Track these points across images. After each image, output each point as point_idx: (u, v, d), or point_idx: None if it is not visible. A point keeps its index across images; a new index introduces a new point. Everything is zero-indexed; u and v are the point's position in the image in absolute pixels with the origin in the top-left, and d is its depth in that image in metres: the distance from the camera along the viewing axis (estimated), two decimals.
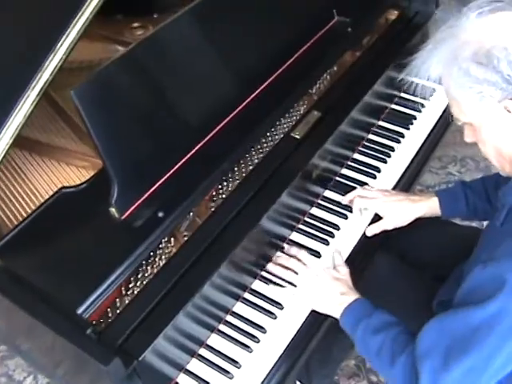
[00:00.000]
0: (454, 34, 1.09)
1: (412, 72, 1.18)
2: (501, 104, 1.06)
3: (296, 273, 1.46)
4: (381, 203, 1.55)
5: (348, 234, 1.57)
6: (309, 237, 1.55)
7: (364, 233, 1.56)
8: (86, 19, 1.48)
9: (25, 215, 1.47)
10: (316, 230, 1.56)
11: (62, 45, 1.44)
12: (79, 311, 1.20)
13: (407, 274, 1.60)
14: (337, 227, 1.57)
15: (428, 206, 1.55)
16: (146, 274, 1.30)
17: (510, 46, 1.02)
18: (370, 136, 1.79)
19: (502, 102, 1.05)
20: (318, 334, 1.45)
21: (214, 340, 1.38)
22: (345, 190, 1.63)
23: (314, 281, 1.43)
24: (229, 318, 1.42)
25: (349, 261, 1.51)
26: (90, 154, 1.59)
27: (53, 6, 1.53)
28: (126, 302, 1.26)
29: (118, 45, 2.08)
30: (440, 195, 1.55)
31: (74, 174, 1.59)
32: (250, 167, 1.48)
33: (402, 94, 1.91)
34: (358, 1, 1.92)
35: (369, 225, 1.57)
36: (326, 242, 1.54)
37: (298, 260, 1.48)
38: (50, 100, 1.77)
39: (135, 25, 2.16)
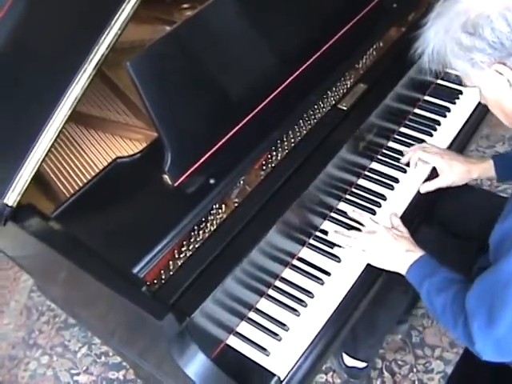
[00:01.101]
0: (448, 7, 1.16)
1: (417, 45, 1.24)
2: (491, 68, 1.12)
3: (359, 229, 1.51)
4: (441, 158, 1.61)
5: (395, 202, 1.61)
6: (356, 206, 1.58)
7: (411, 202, 1.59)
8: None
9: (81, 184, 1.53)
10: (363, 200, 1.59)
11: (115, 23, 1.48)
12: (135, 270, 1.25)
13: (453, 247, 1.62)
14: (384, 197, 1.60)
15: (483, 168, 1.60)
16: (198, 239, 1.34)
17: (492, 14, 1.08)
18: (417, 110, 1.81)
19: (491, 66, 1.12)
20: (364, 301, 1.48)
21: (263, 304, 1.42)
22: (389, 163, 1.67)
23: (379, 239, 1.46)
24: (278, 283, 1.46)
25: None
26: (144, 127, 1.65)
27: None
28: (179, 264, 1.31)
29: (168, 26, 2.13)
30: (495, 159, 1.60)
31: (128, 146, 1.65)
32: (299, 137, 1.51)
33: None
34: None
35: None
36: (373, 212, 1.57)
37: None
38: (105, 78, 1.84)
39: (184, 6, 2.21)
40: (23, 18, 1.63)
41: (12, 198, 1.35)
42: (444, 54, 1.18)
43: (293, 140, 1.51)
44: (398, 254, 1.42)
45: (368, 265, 1.47)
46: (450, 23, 1.14)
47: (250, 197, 1.41)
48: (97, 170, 1.57)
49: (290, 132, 1.52)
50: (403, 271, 1.40)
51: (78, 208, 1.42)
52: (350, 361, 1.99)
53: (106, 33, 1.44)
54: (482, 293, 1.19)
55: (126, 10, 1.49)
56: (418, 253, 1.40)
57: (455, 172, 1.60)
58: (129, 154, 1.58)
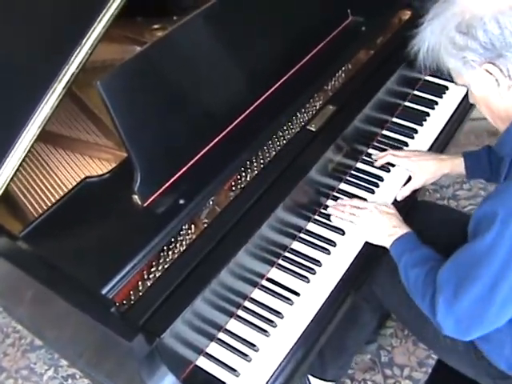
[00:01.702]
0: (445, 8, 1.22)
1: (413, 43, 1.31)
2: (482, 67, 1.18)
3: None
4: (411, 160, 1.67)
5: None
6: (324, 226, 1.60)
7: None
8: (108, 19, 1.53)
9: (50, 204, 1.53)
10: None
11: (85, 43, 1.49)
12: (103, 291, 1.25)
13: None
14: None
15: (454, 164, 1.68)
16: (168, 259, 1.34)
17: (485, 17, 1.14)
18: (384, 132, 1.83)
19: (482, 65, 1.18)
20: (334, 321, 1.49)
21: (233, 324, 1.42)
22: (358, 184, 1.69)
23: (369, 213, 1.54)
24: (247, 303, 1.46)
25: None
26: (114, 147, 1.65)
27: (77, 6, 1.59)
28: (148, 285, 1.30)
29: (138, 45, 2.14)
30: (466, 156, 1.67)
31: (98, 167, 1.65)
32: (268, 158, 1.52)
33: (415, 92, 1.96)
34: (372, 1, 1.97)
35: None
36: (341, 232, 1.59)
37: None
38: (75, 98, 1.83)
39: (155, 26, 2.22)
40: None
41: None
42: (438, 52, 1.25)
43: (262, 161, 1.52)
44: (386, 228, 1.50)
45: (337, 285, 1.48)
46: (446, 23, 1.21)
47: (219, 217, 1.41)
48: (65, 190, 1.56)
49: (260, 153, 1.53)
50: (387, 245, 1.47)
51: (46, 228, 1.41)
52: (316, 382, 1.98)
53: (76, 52, 1.46)
54: (453, 268, 1.26)
55: (98, 29, 1.51)
56: (404, 229, 1.48)
57: (426, 171, 1.67)
58: (98, 173, 1.59)
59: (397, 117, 1.89)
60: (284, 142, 1.56)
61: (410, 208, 1.66)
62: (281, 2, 1.72)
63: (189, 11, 2.04)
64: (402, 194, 1.66)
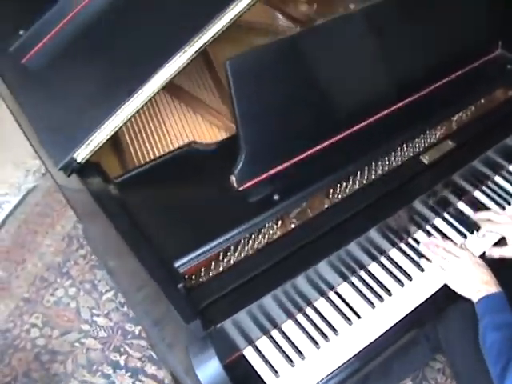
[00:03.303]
0: None
1: None
2: None
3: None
4: (509, 229, 1.57)
5: None
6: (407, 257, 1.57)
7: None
8: None
9: (152, 156, 1.56)
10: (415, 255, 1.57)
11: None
12: (177, 264, 1.27)
13: None
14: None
15: None
16: (246, 248, 1.35)
17: None
18: (496, 178, 1.75)
19: None
20: (387, 351, 1.47)
21: (288, 326, 1.43)
22: (454, 225, 1.64)
23: (463, 262, 1.49)
24: (308, 310, 1.46)
25: None
26: (226, 116, 1.65)
27: None
28: (221, 267, 1.32)
29: (280, 13, 2.12)
30: None
31: (206, 130, 1.66)
32: (372, 176, 1.49)
33: None
34: None
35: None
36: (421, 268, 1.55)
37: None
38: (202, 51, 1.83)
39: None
40: None
41: (82, 155, 1.39)
42: None
43: (366, 178, 1.49)
44: (476, 282, 1.45)
45: (401, 320, 1.46)
46: None
47: (310, 223, 1.41)
48: (170, 146, 1.59)
49: (366, 169, 1.50)
50: (474, 299, 1.42)
51: (141, 182, 1.44)
52: None
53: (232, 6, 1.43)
54: None
55: None
56: (494, 288, 1.42)
57: None
58: (205, 138, 1.61)
59: None
60: (393, 165, 1.51)
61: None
62: (435, 18, 1.64)
63: None
64: (491, 253, 1.57)
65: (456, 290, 1.47)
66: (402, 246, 1.58)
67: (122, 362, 2.23)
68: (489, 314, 1.37)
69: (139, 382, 2.18)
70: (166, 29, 1.50)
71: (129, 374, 2.20)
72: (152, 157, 1.56)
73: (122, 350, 2.27)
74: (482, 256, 1.57)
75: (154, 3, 1.57)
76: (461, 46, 1.71)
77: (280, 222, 1.40)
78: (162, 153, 1.57)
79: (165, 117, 1.69)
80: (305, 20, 2.08)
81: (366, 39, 1.51)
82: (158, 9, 1.55)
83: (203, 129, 1.65)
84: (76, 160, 1.38)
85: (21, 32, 1.59)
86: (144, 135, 1.64)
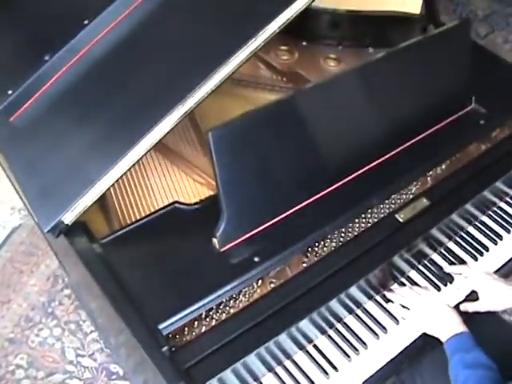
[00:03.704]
0: None
1: None
2: None
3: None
4: (482, 284, 1.63)
5: None
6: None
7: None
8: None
9: (137, 214, 1.63)
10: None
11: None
12: (160, 327, 1.33)
13: None
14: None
15: None
16: (227, 308, 1.41)
17: None
18: (469, 228, 1.81)
19: None
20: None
21: (269, 379, 1.48)
22: (428, 277, 1.69)
23: (431, 303, 1.56)
24: (287, 363, 1.51)
25: None
26: (208, 173, 1.71)
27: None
28: (203, 328, 1.37)
29: (261, 63, 2.19)
30: None
31: (189, 186, 1.72)
32: (349, 236, 1.55)
33: None
34: (499, 93, 1.92)
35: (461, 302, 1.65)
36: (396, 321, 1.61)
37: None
38: None
39: (282, 48, 2.25)
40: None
41: (69, 218, 1.44)
42: None
43: (342, 236, 1.55)
44: (445, 321, 1.52)
45: (377, 371, 1.52)
46: None
47: (288, 283, 1.46)
48: (155, 204, 1.65)
49: (343, 228, 1.56)
50: (443, 338, 1.49)
51: (126, 242, 1.50)
52: None
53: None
54: None
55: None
56: (461, 327, 1.49)
57: (494, 298, 1.62)
58: (188, 195, 1.68)
59: (488, 216, 1.86)
60: (368, 224, 1.58)
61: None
62: (411, 76, 1.71)
63: (319, 40, 2.14)
64: (466, 308, 1.63)
65: (425, 329, 1.54)
66: (378, 298, 1.63)
67: None
68: (458, 353, 1.43)
69: None
70: (156, 89, 1.55)
71: None
72: (137, 215, 1.62)
73: None
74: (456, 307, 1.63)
75: (142, 62, 1.62)
76: (436, 100, 1.78)
77: (260, 282, 1.46)
78: (146, 211, 1.63)
79: (149, 173, 1.75)
80: (285, 70, 2.14)
81: (343, 101, 1.58)
82: (145, 70, 1.60)
83: (187, 186, 1.71)
84: (63, 222, 1.43)
85: (9, 92, 1.62)
86: (129, 191, 1.69)
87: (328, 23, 2.23)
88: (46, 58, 1.63)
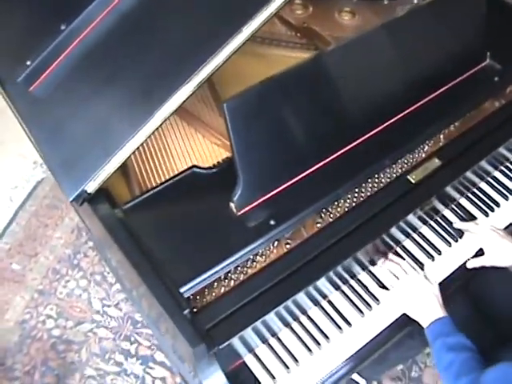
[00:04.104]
0: None
1: None
2: None
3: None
4: (488, 240, 1.67)
5: (446, 263, 1.70)
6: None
7: (460, 266, 1.70)
8: None
9: (157, 179, 1.68)
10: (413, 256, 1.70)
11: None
12: (182, 290, 1.40)
13: (474, 326, 1.72)
14: (439, 252, 1.71)
15: None
16: (245, 269, 1.48)
17: None
18: (481, 184, 1.85)
19: None
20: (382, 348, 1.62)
21: (285, 335, 1.56)
22: (439, 232, 1.75)
23: (421, 288, 1.60)
24: (303, 319, 1.59)
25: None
26: (224, 135, 1.74)
27: None
28: (222, 289, 1.45)
29: (276, 18, 2.18)
30: None
31: (207, 147, 1.76)
32: (362, 197, 1.60)
33: None
34: None
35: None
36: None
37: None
38: None
39: (297, 1, 2.24)
40: None
41: (92, 186, 1.49)
42: None
43: (356, 197, 1.60)
44: (426, 308, 1.55)
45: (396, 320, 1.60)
46: None
47: (304, 244, 1.53)
48: (174, 168, 1.71)
49: (356, 189, 1.61)
50: (424, 324, 1.54)
51: (146, 208, 1.56)
52: (355, 375, 2.14)
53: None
54: (505, 378, 1.31)
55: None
56: (442, 313, 1.53)
57: (499, 254, 1.66)
58: (205, 155, 1.74)
59: (500, 171, 1.89)
60: (381, 184, 1.62)
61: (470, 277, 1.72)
62: (426, 32, 1.71)
63: None
64: (473, 264, 1.68)
65: (411, 316, 1.58)
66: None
67: (132, 351, 2.39)
68: (440, 338, 1.48)
69: (150, 369, 2.34)
70: (179, 53, 1.57)
71: (139, 361, 2.36)
72: (157, 179, 1.67)
73: (132, 338, 2.42)
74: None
75: (159, 29, 1.63)
76: (451, 57, 1.79)
77: (276, 243, 1.52)
78: (166, 175, 1.69)
79: (167, 136, 1.79)
80: (300, 25, 2.15)
81: (356, 63, 1.60)
82: (162, 37, 1.61)
83: (204, 147, 1.76)
84: (86, 191, 1.49)
85: (28, 62, 1.65)
86: (148, 155, 1.74)
87: None
88: (63, 27, 1.64)
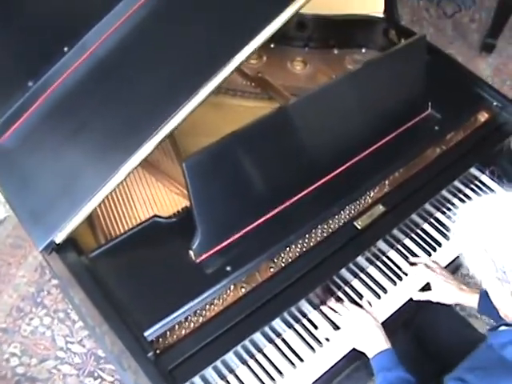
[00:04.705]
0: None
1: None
2: None
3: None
4: (438, 279, 1.82)
5: (392, 300, 1.83)
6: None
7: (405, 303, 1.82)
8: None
9: (120, 227, 1.79)
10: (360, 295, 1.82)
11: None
12: (146, 333, 1.50)
13: (416, 360, 1.85)
14: (385, 290, 1.83)
15: (471, 298, 1.80)
16: (204, 311, 1.60)
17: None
18: (425, 225, 1.99)
19: None
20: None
21: (242, 372, 1.67)
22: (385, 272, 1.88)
23: (364, 321, 1.71)
24: (259, 356, 1.69)
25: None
26: (183, 185, 1.83)
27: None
28: (184, 329, 1.56)
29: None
30: (482, 294, 1.78)
31: (167, 196, 1.87)
32: (312, 242, 1.74)
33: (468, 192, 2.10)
34: (453, 97, 2.09)
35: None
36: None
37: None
38: None
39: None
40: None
41: (60, 237, 1.59)
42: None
43: (306, 244, 1.73)
44: (371, 341, 1.67)
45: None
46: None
47: (259, 287, 1.65)
48: (137, 217, 1.81)
49: (306, 235, 1.74)
50: (370, 355, 1.65)
51: (111, 255, 1.66)
52: None
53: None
54: None
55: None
56: (386, 345, 1.65)
57: (444, 293, 1.81)
58: (165, 204, 1.84)
59: (442, 212, 2.03)
60: (330, 230, 1.76)
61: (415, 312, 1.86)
62: (372, 86, 1.87)
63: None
64: (419, 297, 1.82)
65: (357, 348, 1.69)
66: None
67: None
68: (382, 372, 1.60)
69: None
70: (146, 106, 1.69)
71: None
72: (120, 227, 1.77)
73: (95, 374, 2.49)
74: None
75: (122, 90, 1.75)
76: (397, 108, 1.95)
77: (232, 287, 1.63)
78: (129, 222, 1.79)
79: (130, 185, 1.89)
80: (254, 75, 2.28)
81: (306, 121, 1.74)
82: (134, 87, 1.74)
83: (164, 196, 1.87)
84: (55, 242, 1.58)
85: None
86: (111, 203, 1.84)
87: (296, 24, 2.36)
88: (30, 84, 1.74)
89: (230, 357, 1.59)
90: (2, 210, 2.99)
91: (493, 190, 2.12)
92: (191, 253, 1.62)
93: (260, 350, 1.69)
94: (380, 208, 1.81)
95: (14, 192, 1.67)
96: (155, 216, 1.72)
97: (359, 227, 1.76)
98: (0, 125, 1.75)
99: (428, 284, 1.84)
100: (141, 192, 1.88)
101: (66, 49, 1.75)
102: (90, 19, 1.79)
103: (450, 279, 1.83)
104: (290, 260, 1.70)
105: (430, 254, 1.94)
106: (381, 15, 2.39)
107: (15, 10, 1.77)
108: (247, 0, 1.78)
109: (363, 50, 2.43)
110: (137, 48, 1.81)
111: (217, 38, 1.74)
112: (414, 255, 1.92)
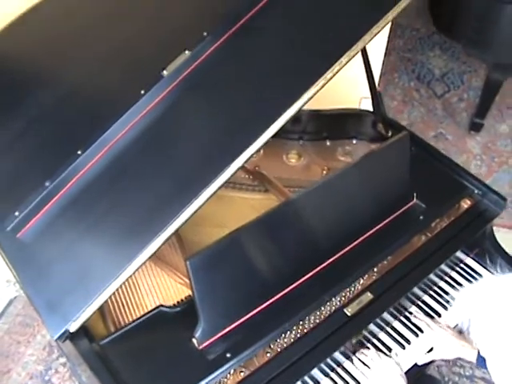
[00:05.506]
0: None
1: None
2: None
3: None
4: (441, 337, 1.98)
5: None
6: None
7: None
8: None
9: (129, 316, 1.94)
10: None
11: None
12: None
13: None
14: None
15: (470, 353, 1.94)
16: None
17: None
18: (412, 308, 2.13)
19: None
20: None
21: None
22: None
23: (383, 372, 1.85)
24: None
25: None
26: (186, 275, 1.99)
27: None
28: None
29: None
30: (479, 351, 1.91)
31: (171, 285, 2.03)
32: (305, 329, 1.87)
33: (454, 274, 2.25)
34: (437, 187, 2.28)
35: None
36: None
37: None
38: None
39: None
40: None
41: (74, 327, 1.72)
42: None
43: (299, 330, 1.87)
44: None
45: None
46: None
47: (256, 372, 1.77)
48: (143, 305, 1.96)
49: (300, 323, 1.87)
50: None
51: (120, 343, 1.79)
52: None
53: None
54: None
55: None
56: None
57: (447, 349, 1.98)
58: (170, 294, 1.98)
59: (429, 295, 2.18)
60: (322, 317, 1.89)
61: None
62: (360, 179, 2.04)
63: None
64: (424, 360, 1.97)
65: None
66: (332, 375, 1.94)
67: None
68: None
69: None
70: (160, 201, 1.82)
71: None
72: (128, 315, 1.92)
73: None
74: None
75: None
76: (385, 200, 2.12)
77: (232, 371, 1.76)
78: (136, 310, 1.95)
79: (136, 274, 2.02)
80: (251, 168, 2.45)
81: (304, 213, 1.90)
82: (148, 182, 1.88)
83: (169, 286, 2.02)
84: (69, 330, 1.72)
85: (16, 213, 1.90)
86: (120, 292, 1.99)
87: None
88: (47, 184, 1.90)
89: None
90: (12, 290, 3.12)
91: (477, 272, 2.27)
92: (194, 340, 1.75)
93: None
94: (368, 295, 1.94)
95: (30, 283, 1.80)
96: (161, 306, 1.87)
97: (349, 314, 1.90)
98: (19, 221, 1.89)
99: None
100: (147, 281, 2.03)
101: (79, 152, 1.91)
102: (106, 121, 1.96)
103: (452, 334, 1.99)
104: (285, 346, 1.83)
105: (417, 336, 2.06)
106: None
107: (34, 117, 1.96)
108: (258, 94, 1.93)
109: (354, 141, 2.62)
110: (152, 145, 1.96)
111: (228, 136, 1.90)
112: (403, 337, 2.05)
